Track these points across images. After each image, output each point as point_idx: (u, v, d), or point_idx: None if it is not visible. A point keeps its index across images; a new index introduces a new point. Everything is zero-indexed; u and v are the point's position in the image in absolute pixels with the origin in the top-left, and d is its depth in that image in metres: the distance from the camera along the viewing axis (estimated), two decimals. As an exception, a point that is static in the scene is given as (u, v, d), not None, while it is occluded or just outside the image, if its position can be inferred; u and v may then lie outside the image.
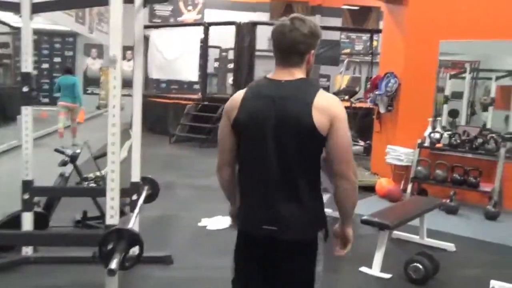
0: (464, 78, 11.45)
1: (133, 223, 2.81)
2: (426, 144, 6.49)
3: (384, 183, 6.48)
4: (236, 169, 2.07)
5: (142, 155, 3.74)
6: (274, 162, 1.89)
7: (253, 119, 1.91)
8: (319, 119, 1.85)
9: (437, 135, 6.40)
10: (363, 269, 3.87)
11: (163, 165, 8.03)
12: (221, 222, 4.83)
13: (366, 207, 5.15)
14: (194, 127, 10.91)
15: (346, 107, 8.28)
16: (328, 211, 2.05)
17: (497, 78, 10.93)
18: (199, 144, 10.23)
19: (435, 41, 6.60)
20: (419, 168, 6.39)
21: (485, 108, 10.73)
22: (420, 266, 3.62)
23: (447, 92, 8.85)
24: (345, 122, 1.90)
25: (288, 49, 1.94)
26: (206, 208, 5.38)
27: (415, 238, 4.61)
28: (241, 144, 1.98)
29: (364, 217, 3.73)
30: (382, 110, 6.99)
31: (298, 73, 1.96)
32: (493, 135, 6.16)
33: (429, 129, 6.49)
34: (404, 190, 6.52)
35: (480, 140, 6.12)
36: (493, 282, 3.58)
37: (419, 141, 6.52)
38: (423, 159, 6.44)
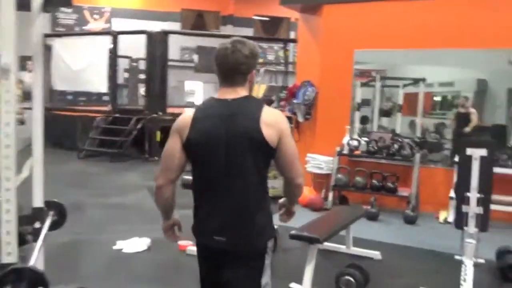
0: (373, 86, 11.92)
1: (36, 258, 2.40)
2: (345, 151, 6.51)
3: (305, 192, 6.40)
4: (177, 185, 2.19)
5: (47, 174, 3.30)
6: (226, 175, 2.02)
7: (206, 137, 2.02)
8: (268, 133, 1.98)
9: (355, 143, 6.45)
10: (293, 285, 3.70)
11: (71, 183, 7.43)
12: (138, 244, 4.46)
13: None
14: (105, 141, 10.30)
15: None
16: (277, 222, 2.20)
17: (404, 85, 11.45)
18: (110, 159, 9.66)
19: (350, 50, 6.68)
20: (339, 175, 6.39)
21: (387, 114, 11.20)
22: (352, 279, 3.52)
23: (358, 99, 9.09)
24: (290, 133, 2.09)
25: (232, 70, 2.07)
26: (121, 229, 4.98)
27: (341, 248, 4.53)
28: (194, 161, 2.09)
29: (293, 232, 3.55)
30: (300, 119, 6.94)
31: (242, 91, 2.08)
32: (408, 140, 6.30)
33: (347, 137, 6.53)
34: (326, 198, 6.49)
35: (395, 146, 6.24)
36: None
37: (338, 148, 6.53)
38: (342, 166, 6.45)
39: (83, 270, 3.98)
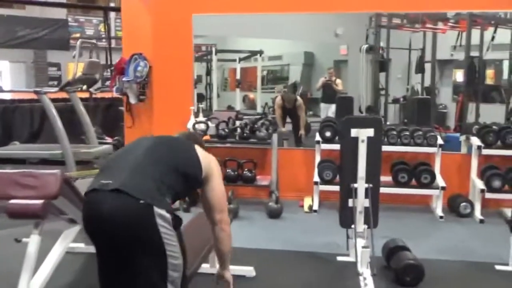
0: (207, 60, 11.00)
1: None
2: (191, 137, 5.43)
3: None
4: None
5: None
6: None
7: None
8: None
9: (203, 126, 5.41)
10: None
11: None
12: None
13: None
14: None
15: (85, 99, 6.60)
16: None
17: (240, 59, 10.73)
18: None
19: (188, 15, 5.56)
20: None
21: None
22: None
23: (194, 75, 8.06)
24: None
25: None
26: None
27: (205, 267, 3.48)
28: None
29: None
30: (132, 101, 5.67)
31: None
32: (264, 121, 5.45)
33: (192, 120, 5.44)
34: (171, 195, 5.37)
35: (247, 127, 5.34)
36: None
37: (182, 134, 5.42)
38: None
39: None
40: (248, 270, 3.46)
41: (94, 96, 8.64)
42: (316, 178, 5.12)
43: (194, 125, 5.36)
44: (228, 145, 5.51)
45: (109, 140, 8.38)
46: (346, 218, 3.40)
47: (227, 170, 5.20)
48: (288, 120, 7.72)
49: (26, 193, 2.79)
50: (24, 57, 16.11)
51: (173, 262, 1.91)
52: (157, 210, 1.84)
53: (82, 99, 7.55)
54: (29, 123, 8.57)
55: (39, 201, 2.72)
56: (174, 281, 1.93)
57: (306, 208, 5.14)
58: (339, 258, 3.73)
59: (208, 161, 2.17)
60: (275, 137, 5.26)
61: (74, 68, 6.23)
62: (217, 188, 2.18)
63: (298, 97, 7.54)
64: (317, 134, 5.35)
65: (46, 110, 6.44)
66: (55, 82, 13.84)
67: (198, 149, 2.17)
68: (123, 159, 2.04)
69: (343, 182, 3.43)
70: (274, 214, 4.88)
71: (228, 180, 5.18)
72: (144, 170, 1.95)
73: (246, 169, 5.20)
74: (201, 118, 5.62)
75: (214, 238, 2.24)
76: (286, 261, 3.81)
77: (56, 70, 16.18)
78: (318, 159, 5.28)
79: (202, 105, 9.17)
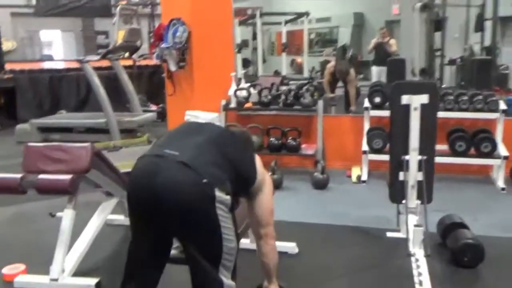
0: (253, 24, 10.66)
1: None
2: (233, 105, 5.23)
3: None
4: None
5: None
6: None
7: None
8: None
9: (244, 93, 5.19)
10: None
11: None
12: None
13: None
14: None
15: (129, 67, 6.49)
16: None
17: (286, 22, 10.33)
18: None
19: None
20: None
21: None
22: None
23: (238, 40, 7.80)
24: None
25: None
26: None
27: (245, 241, 3.32)
28: None
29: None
30: (172, 68, 5.47)
31: None
32: (309, 87, 5.16)
33: (233, 87, 5.22)
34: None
35: (292, 94, 5.07)
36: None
37: (223, 102, 5.23)
38: (231, 124, 5.16)
39: None
40: (290, 247, 3.26)
41: (137, 63, 8.59)
42: (365, 146, 4.82)
43: (235, 92, 5.14)
44: (271, 112, 5.27)
45: (154, 107, 8.35)
46: (397, 193, 3.12)
47: (271, 139, 4.98)
48: (340, 84, 7.28)
49: (56, 168, 2.69)
50: (73, 26, 16.29)
51: (228, 245, 1.79)
52: (218, 191, 1.74)
53: (125, 67, 7.51)
54: (76, 92, 8.65)
55: (67, 177, 2.62)
56: (226, 265, 1.81)
57: (354, 179, 4.86)
58: (389, 234, 3.47)
59: (263, 173, 2.13)
60: (320, 103, 4.97)
61: (114, 35, 6.13)
62: (266, 203, 2.12)
63: (351, 71, 6.99)
64: (366, 100, 5.01)
65: (89, 79, 6.43)
66: (104, 50, 13.94)
67: (257, 157, 2.11)
68: (187, 138, 1.89)
69: (393, 154, 3.14)
70: (320, 185, 4.65)
71: (271, 149, 4.97)
72: (209, 153, 1.82)
73: (290, 138, 4.96)
74: (243, 84, 5.40)
75: (259, 252, 2.18)
76: (331, 236, 3.59)
77: (104, 38, 16.27)
78: (367, 126, 4.96)
79: (246, 71, 8.94)
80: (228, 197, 1.76)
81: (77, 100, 8.58)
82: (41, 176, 2.62)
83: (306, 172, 4.94)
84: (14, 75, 8.32)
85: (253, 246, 2.49)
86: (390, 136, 3.26)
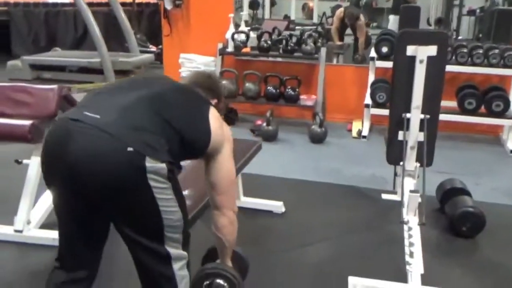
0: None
1: None
2: (230, 49, 4.90)
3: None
4: None
5: None
6: None
7: None
8: None
9: (243, 36, 4.84)
10: None
11: None
12: None
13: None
14: None
15: (128, 4, 6.06)
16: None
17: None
18: None
19: None
20: (223, 82, 4.80)
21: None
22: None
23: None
24: None
25: None
26: None
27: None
28: None
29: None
30: (168, 6, 5.13)
31: None
32: (312, 33, 4.79)
33: (231, 29, 4.87)
34: (208, 111, 4.97)
35: (294, 40, 4.72)
36: (352, 280, 2.28)
37: (220, 45, 4.90)
38: (227, 70, 4.86)
39: None
40: (276, 206, 3.05)
41: (137, 1, 8.16)
42: (368, 100, 4.52)
43: (233, 35, 4.80)
44: (270, 59, 4.94)
45: (153, 48, 8.00)
46: (394, 154, 2.84)
47: (268, 87, 4.69)
48: (349, 31, 6.84)
49: (18, 111, 2.45)
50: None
51: (169, 218, 1.50)
52: (149, 160, 1.41)
53: (124, 4, 7.11)
54: (73, 29, 8.28)
55: (27, 122, 2.37)
56: (172, 238, 1.53)
57: (354, 133, 4.60)
58: (384, 196, 3.24)
59: (221, 133, 1.69)
60: (323, 51, 4.62)
61: (109, -32, 5.74)
62: (224, 166, 1.72)
63: (361, 16, 6.54)
64: (372, 50, 4.66)
65: (82, 15, 6.05)
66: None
67: (213, 114, 1.68)
68: (117, 96, 1.55)
69: (393, 111, 2.83)
70: (317, 139, 4.39)
71: (268, 98, 4.69)
72: (140, 116, 1.48)
73: (289, 87, 4.66)
74: (243, 27, 5.04)
75: (214, 225, 1.78)
76: (322, 195, 3.36)
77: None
78: (371, 78, 4.64)
79: (251, 13, 8.46)
80: (163, 165, 1.45)
81: (74, 37, 8.23)
82: (-1, 120, 2.38)
83: (304, 125, 4.68)
84: (8, 8, 7.94)
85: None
86: (392, 91, 2.95)
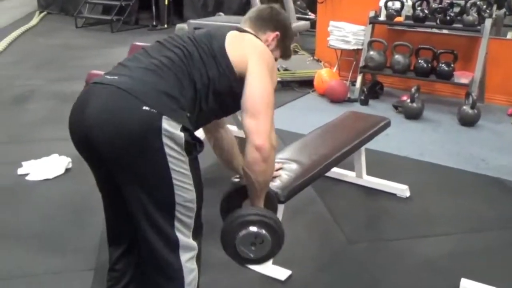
0: None
1: None
2: (382, 18, 4.61)
3: (324, 76, 4.71)
4: None
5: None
6: None
7: None
8: None
9: (397, 4, 4.50)
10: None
11: (45, 61, 6.13)
12: (50, 167, 3.10)
13: (293, 113, 4.09)
14: (107, 6, 8.74)
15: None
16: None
17: None
18: (111, 29, 8.14)
19: None
20: (371, 53, 4.54)
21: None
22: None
23: None
24: None
25: None
26: (48, 136, 3.65)
27: (350, 175, 2.98)
28: None
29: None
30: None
31: None
32: (477, 1, 4.25)
33: (385, -5, 4.56)
34: (353, 82, 4.79)
35: (456, 9, 4.24)
36: (465, 282, 2.02)
37: (371, 13, 4.63)
38: (377, 40, 4.57)
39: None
40: (401, 189, 2.83)
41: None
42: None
43: (386, 2, 4.49)
44: (425, 29, 4.53)
45: (312, 16, 7.90)
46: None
47: (419, 61, 4.31)
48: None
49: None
50: None
51: (182, 195, 1.37)
52: (166, 121, 1.30)
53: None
54: (240, -5, 8.56)
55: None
56: (183, 221, 1.40)
57: (515, 119, 4.04)
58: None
59: (239, 53, 1.48)
60: (488, 22, 4.08)
61: None
62: (254, 82, 1.46)
63: None
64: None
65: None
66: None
67: (229, 41, 1.50)
68: (141, 60, 1.45)
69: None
70: (468, 121, 3.94)
71: (418, 72, 4.33)
72: (163, 75, 1.39)
73: (442, 62, 4.23)
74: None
75: (244, 158, 1.49)
76: (456, 184, 3.02)
77: None
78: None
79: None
80: (181, 134, 1.32)
81: (240, 3, 8.51)
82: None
83: (456, 104, 4.22)
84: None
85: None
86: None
